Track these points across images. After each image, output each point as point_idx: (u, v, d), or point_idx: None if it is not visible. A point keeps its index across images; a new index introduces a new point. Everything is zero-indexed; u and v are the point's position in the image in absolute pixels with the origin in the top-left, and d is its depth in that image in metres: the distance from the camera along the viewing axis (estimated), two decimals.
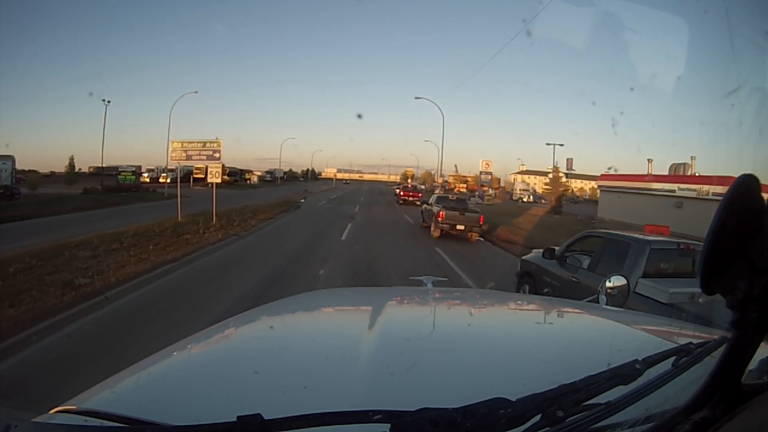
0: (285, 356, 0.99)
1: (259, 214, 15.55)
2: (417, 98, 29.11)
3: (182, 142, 13.86)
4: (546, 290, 4.86)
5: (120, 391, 0.82)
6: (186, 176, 41.54)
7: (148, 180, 39.52)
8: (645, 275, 3.84)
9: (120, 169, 32.21)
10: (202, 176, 43.52)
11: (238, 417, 0.53)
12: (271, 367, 0.91)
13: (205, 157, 13.87)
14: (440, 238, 12.69)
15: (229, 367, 0.92)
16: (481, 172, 36.34)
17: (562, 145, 34.61)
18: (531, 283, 5.45)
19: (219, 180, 13.79)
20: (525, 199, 41.22)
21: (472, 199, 29.61)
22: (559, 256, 5.02)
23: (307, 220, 16.04)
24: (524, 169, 66.71)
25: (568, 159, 38.26)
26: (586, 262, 4.71)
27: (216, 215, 13.33)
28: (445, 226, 12.59)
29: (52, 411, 0.72)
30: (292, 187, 44.82)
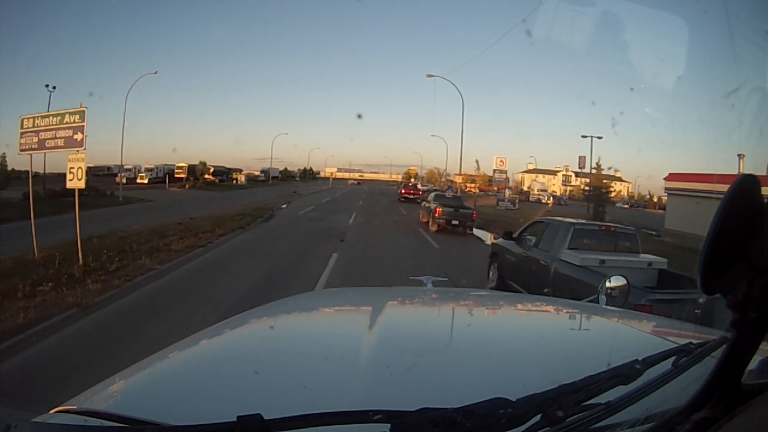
0: (285, 356, 0.99)
1: (191, 236, 9.94)
2: (429, 76, 24.72)
3: (33, 118, 8.13)
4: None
5: (120, 391, 0.82)
6: (167, 176, 37.93)
7: (124, 181, 35.63)
8: (570, 248, 5.17)
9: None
10: (184, 175, 39.50)
11: (238, 417, 0.53)
12: (271, 367, 0.91)
13: (62, 142, 7.85)
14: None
15: (229, 367, 0.92)
16: (495, 170, 31.10)
17: (600, 137, 28.10)
18: (497, 260, 6.90)
19: (83, 185, 7.83)
20: (544, 201, 36.40)
21: (501, 203, 26.13)
22: (516, 238, 6.39)
23: (266, 248, 9.58)
24: (532, 167, 61.82)
25: (580, 157, 33.44)
26: (534, 240, 5.96)
27: (92, 250, 7.74)
28: (441, 221, 14.09)
29: (52, 411, 0.72)
30: (283, 188, 38.78)
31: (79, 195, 8.08)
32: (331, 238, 11.23)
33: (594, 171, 28.97)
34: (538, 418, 0.58)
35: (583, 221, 6.59)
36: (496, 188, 33.01)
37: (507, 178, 35.52)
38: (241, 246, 10.04)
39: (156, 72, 25.30)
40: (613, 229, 5.72)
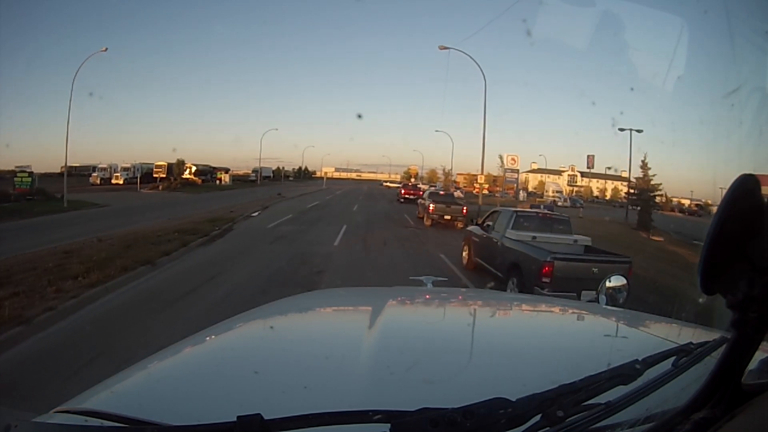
0: (285, 356, 0.99)
1: (38, 289, 5.55)
2: (442, 48, 19.81)
3: None
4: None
5: (120, 391, 0.82)
6: (146, 175, 35.26)
7: (98, 181, 33.74)
8: (512, 229, 6.82)
9: (18, 170, 22.45)
10: (164, 175, 36.79)
11: (238, 417, 0.53)
12: (271, 367, 0.91)
13: None
14: None
15: (229, 367, 0.92)
16: (505, 170, 28.35)
17: (640, 131, 23.07)
18: (468, 243, 8.54)
19: None
20: (560, 203, 31.50)
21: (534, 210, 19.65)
22: (480, 225, 8.21)
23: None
24: (536, 167, 57.92)
25: (589, 156, 31.41)
26: (491, 225, 7.68)
27: None
28: (435, 216, 15.25)
29: (52, 411, 0.72)
30: (270, 189, 32.88)
31: (23, 200, 5.92)
32: (292, 291, 4.26)
33: (641, 171, 24.07)
34: (538, 418, 0.58)
35: (524, 209, 9.06)
36: (503, 189, 30.74)
37: (518, 178, 32.28)
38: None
39: (106, 49, 21.69)
40: (549, 216, 7.81)
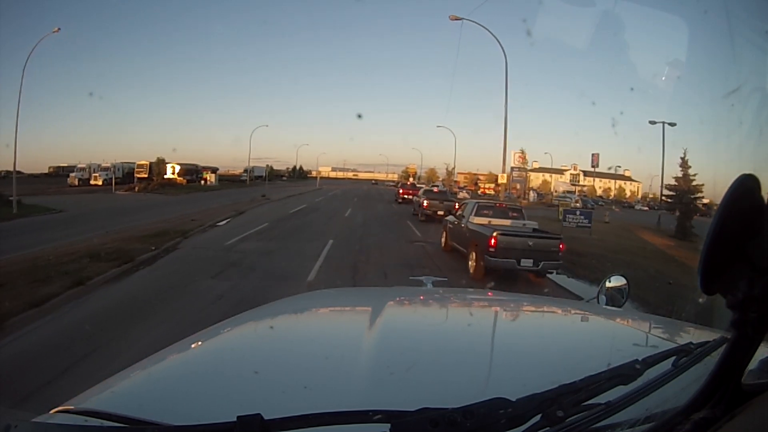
0: (285, 356, 0.99)
1: None
2: (455, 19, 17.27)
3: None
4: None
5: (120, 391, 0.82)
6: (128, 175, 33.76)
7: (76, 182, 31.98)
8: (474, 215, 8.71)
9: None
10: (146, 175, 34.73)
11: (238, 417, 0.53)
12: (271, 367, 0.91)
13: None
14: None
15: (229, 367, 0.92)
16: (512, 168, 26.22)
17: (673, 124, 20.87)
18: (446, 230, 10.29)
19: None
20: (573, 204, 27.19)
21: (570, 217, 14.58)
22: (455, 215, 10.10)
23: None
24: (537, 166, 54.68)
25: (594, 154, 30.25)
26: (461, 214, 9.52)
27: None
28: (428, 212, 16.37)
29: (52, 411, 0.72)
30: (257, 190, 29.48)
31: None
32: None
33: (681, 170, 20.28)
34: (538, 418, 0.58)
35: (485, 200, 11.79)
36: (507, 188, 29.50)
37: (526, 177, 29.94)
38: None
39: (58, 29, 18.98)
40: (505, 205, 10.10)
